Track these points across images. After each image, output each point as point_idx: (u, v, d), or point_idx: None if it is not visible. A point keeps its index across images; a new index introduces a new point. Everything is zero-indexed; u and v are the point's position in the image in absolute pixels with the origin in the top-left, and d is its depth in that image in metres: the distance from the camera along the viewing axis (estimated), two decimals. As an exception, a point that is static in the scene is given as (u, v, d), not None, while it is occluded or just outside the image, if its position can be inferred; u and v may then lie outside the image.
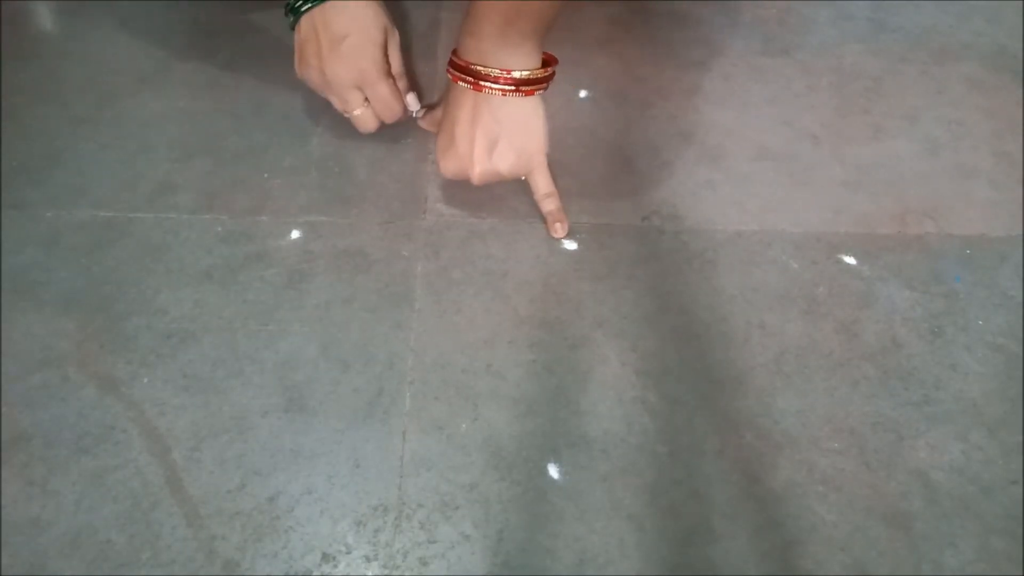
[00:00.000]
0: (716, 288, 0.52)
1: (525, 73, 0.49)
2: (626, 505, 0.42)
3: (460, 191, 0.57)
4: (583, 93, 0.66)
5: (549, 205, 0.55)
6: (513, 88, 0.49)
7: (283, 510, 0.42)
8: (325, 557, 0.40)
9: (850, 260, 0.54)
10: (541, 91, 0.50)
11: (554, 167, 0.59)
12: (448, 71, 0.51)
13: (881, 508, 0.42)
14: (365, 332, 0.49)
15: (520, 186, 0.58)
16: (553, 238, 0.54)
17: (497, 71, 0.48)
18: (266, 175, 0.58)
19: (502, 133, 0.50)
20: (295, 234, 0.55)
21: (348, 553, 0.41)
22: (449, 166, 0.53)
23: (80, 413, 0.45)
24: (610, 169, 0.60)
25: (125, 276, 0.52)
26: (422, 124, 0.61)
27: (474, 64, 0.49)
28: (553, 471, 0.44)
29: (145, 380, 0.47)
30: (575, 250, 0.54)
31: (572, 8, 0.74)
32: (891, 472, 0.44)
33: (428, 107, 0.62)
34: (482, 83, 0.49)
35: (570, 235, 0.55)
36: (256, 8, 0.72)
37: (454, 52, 0.51)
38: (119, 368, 0.47)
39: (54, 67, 0.67)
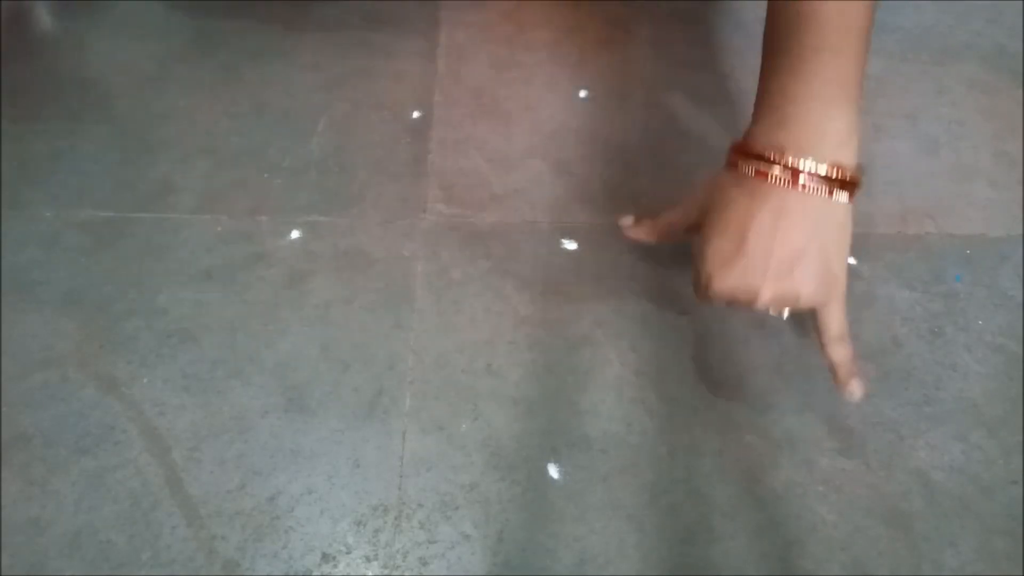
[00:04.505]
0: (716, 288, 0.52)
1: (852, 171, 0.39)
2: (626, 505, 0.42)
3: (460, 191, 0.58)
4: (583, 93, 0.66)
5: (842, 352, 0.41)
6: (840, 187, 0.38)
7: (283, 510, 0.42)
8: (325, 557, 0.40)
9: (850, 260, 0.54)
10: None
11: (554, 167, 0.60)
12: (739, 161, 0.41)
13: (881, 508, 0.42)
14: (365, 332, 0.49)
15: (521, 186, 0.58)
16: (847, 398, 0.42)
17: (825, 166, 0.38)
18: (266, 175, 0.58)
19: (811, 246, 0.39)
20: (295, 234, 0.55)
21: (348, 553, 0.41)
22: (729, 283, 0.40)
23: (80, 413, 0.45)
24: (610, 169, 0.59)
25: (125, 276, 0.52)
26: (636, 234, 0.49)
27: (793, 155, 0.38)
28: (553, 471, 0.44)
29: (145, 380, 0.47)
30: (575, 250, 0.54)
31: (572, 8, 0.74)
32: (891, 472, 0.44)
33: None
34: (803, 180, 0.38)
35: (570, 235, 0.55)
36: (255, 8, 0.72)
37: (748, 142, 0.41)
38: (119, 368, 0.47)
39: (54, 67, 0.67)
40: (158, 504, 0.42)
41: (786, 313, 0.43)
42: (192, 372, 0.47)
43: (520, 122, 0.63)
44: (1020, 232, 0.56)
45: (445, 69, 0.67)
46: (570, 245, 0.54)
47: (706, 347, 0.49)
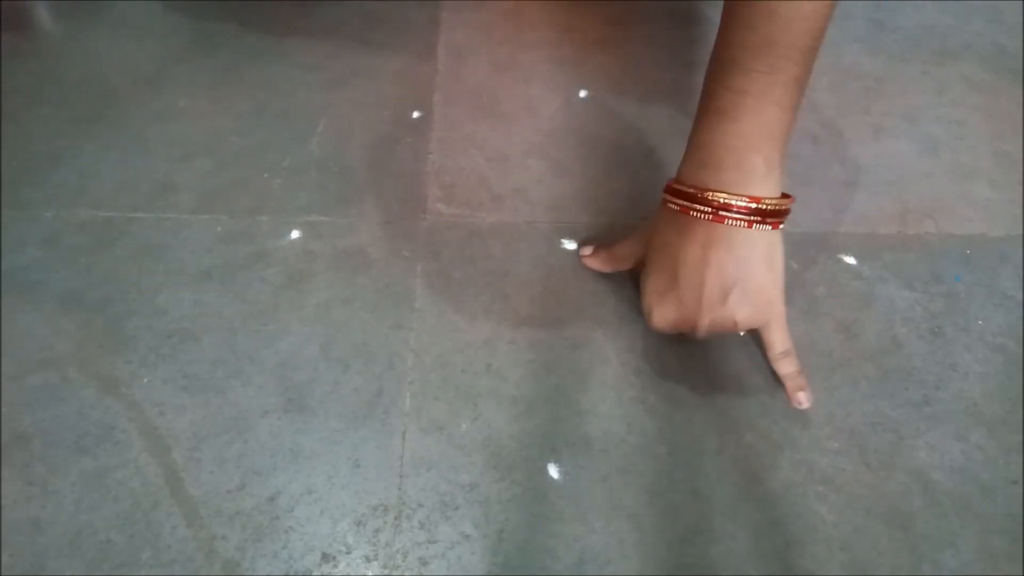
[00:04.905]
0: (716, 288, 0.52)
1: (773, 202, 0.41)
2: (626, 505, 0.42)
3: (460, 191, 0.58)
4: (583, 93, 0.66)
5: (788, 367, 0.45)
6: (760, 219, 0.41)
7: (283, 510, 0.42)
8: (325, 557, 0.40)
9: (850, 260, 0.54)
10: (783, 224, 0.42)
11: (554, 167, 0.60)
12: (669, 201, 0.44)
13: (881, 508, 0.42)
14: (365, 332, 0.49)
15: (521, 186, 0.58)
16: (795, 407, 0.45)
17: (744, 200, 0.40)
18: (266, 175, 0.58)
19: (740, 274, 0.41)
20: (295, 234, 0.55)
21: (348, 553, 0.41)
22: (667, 314, 0.44)
23: (80, 413, 0.45)
24: (610, 169, 0.60)
25: (125, 276, 0.52)
26: (592, 263, 0.52)
27: (713, 191, 0.41)
28: (553, 471, 0.44)
29: (145, 380, 0.47)
30: (575, 250, 0.54)
31: (571, 8, 0.74)
32: (891, 472, 0.44)
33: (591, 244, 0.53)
34: (724, 213, 0.41)
35: (570, 235, 0.55)
36: (256, 8, 0.72)
37: (677, 180, 0.44)
38: (119, 368, 0.47)
39: (54, 67, 0.67)
40: (158, 504, 0.42)
41: (742, 331, 0.45)
42: (192, 372, 0.47)
43: (520, 122, 0.63)
44: (1020, 232, 0.56)
45: (445, 69, 0.67)
46: (570, 245, 0.54)
47: (706, 347, 0.49)
